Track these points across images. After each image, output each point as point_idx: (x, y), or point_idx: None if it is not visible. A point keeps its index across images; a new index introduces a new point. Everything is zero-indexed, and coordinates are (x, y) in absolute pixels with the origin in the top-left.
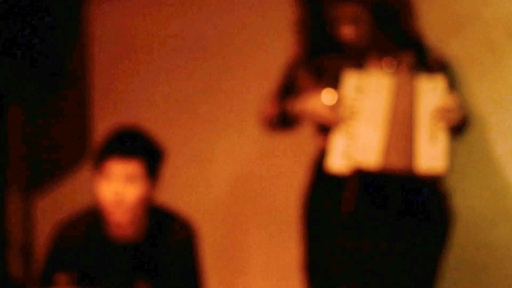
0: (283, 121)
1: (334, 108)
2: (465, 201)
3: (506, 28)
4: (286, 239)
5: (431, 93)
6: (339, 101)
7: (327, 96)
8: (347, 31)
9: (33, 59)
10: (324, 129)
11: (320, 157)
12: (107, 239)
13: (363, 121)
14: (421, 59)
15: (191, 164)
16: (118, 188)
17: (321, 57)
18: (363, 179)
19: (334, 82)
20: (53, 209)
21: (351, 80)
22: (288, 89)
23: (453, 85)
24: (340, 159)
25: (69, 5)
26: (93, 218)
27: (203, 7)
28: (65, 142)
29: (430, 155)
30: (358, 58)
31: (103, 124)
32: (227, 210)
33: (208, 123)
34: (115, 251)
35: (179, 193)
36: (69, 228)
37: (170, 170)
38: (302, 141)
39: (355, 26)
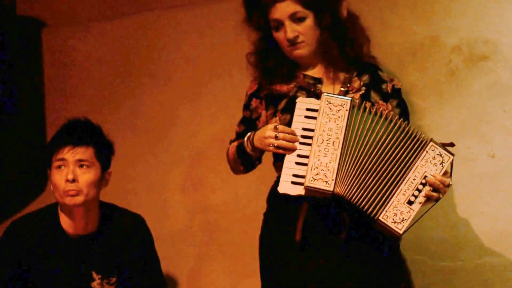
0: (244, 158)
1: (285, 135)
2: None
3: (466, 54)
4: (247, 270)
5: (437, 163)
6: (286, 127)
7: (278, 124)
8: (289, 30)
9: None
10: (282, 157)
11: (276, 185)
12: (61, 231)
13: (316, 146)
14: (376, 84)
15: (148, 193)
16: (71, 173)
17: (276, 85)
18: (314, 204)
19: (288, 109)
20: None
21: (304, 106)
22: (250, 122)
23: (405, 111)
24: (291, 182)
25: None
26: (47, 213)
27: (159, 35)
28: (22, 176)
29: (398, 214)
30: (313, 84)
31: None
32: (185, 239)
33: (164, 153)
34: (70, 243)
35: None
36: (24, 223)
37: (127, 199)
38: (263, 169)
39: (297, 25)
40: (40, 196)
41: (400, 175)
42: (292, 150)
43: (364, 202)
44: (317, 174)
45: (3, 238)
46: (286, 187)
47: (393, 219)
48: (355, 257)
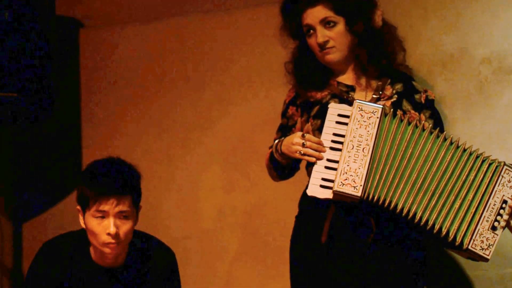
0: (275, 164)
1: (312, 143)
2: None
3: (495, 66)
4: (274, 271)
5: None
6: (312, 136)
7: (305, 133)
8: (320, 36)
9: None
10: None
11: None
12: (92, 261)
13: (346, 151)
14: (409, 94)
15: (180, 194)
16: (113, 226)
17: (311, 92)
18: (341, 207)
19: (320, 115)
20: (41, 232)
21: (335, 111)
22: (286, 129)
23: (439, 123)
24: (320, 185)
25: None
26: (78, 240)
27: (194, 39)
28: (55, 168)
29: (485, 241)
30: (346, 91)
31: (91, 155)
32: (214, 239)
33: (196, 155)
34: (99, 274)
35: (169, 222)
36: (55, 248)
37: (159, 202)
38: None
39: (328, 30)
40: (70, 195)
41: (479, 201)
42: (317, 158)
43: (439, 227)
44: (346, 179)
45: (36, 260)
46: (314, 190)
47: (481, 247)
48: (380, 260)
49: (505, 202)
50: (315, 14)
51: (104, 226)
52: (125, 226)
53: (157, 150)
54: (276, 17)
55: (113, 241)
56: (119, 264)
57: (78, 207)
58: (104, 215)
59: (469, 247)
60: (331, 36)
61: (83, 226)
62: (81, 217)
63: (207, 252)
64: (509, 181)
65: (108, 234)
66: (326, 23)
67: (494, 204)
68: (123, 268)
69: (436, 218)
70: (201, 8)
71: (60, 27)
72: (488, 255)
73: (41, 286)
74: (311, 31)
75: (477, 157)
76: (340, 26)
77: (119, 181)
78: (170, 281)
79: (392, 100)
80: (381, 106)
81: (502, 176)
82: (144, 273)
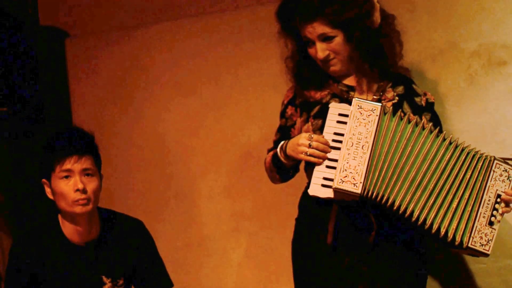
0: (279, 166)
1: (318, 144)
2: None
3: (485, 59)
4: (274, 275)
5: (504, 179)
6: (320, 137)
7: (308, 133)
8: (320, 50)
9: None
10: (313, 163)
11: (307, 190)
12: (66, 241)
13: (346, 149)
14: (409, 97)
15: (177, 201)
16: (80, 182)
17: (310, 92)
18: (343, 207)
19: (320, 115)
20: None
21: (336, 111)
22: (285, 130)
23: (438, 125)
24: (321, 184)
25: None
26: (48, 226)
27: (182, 45)
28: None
29: (484, 237)
30: (346, 91)
31: None
32: (213, 245)
33: (194, 160)
34: (76, 251)
35: (168, 231)
36: (27, 238)
37: (156, 207)
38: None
39: (327, 44)
40: None
41: (475, 198)
42: (322, 159)
43: (438, 227)
44: (346, 176)
45: (11, 257)
46: (316, 190)
47: (480, 243)
48: (384, 258)
49: (499, 196)
50: (313, 30)
51: (71, 185)
52: (91, 184)
53: (150, 157)
54: (267, 20)
55: (82, 196)
56: (92, 238)
57: (44, 180)
58: (69, 174)
59: (469, 245)
60: (331, 49)
61: (51, 196)
62: (48, 190)
63: (208, 259)
64: (500, 175)
65: (77, 190)
66: (324, 38)
67: (489, 200)
68: (98, 241)
69: (434, 217)
70: (187, 12)
71: (46, 38)
72: (488, 251)
73: (19, 279)
74: (310, 43)
75: (474, 155)
76: (339, 38)
77: (77, 140)
78: (145, 248)
79: (393, 101)
80: (380, 104)
81: (494, 171)
82: (118, 244)
